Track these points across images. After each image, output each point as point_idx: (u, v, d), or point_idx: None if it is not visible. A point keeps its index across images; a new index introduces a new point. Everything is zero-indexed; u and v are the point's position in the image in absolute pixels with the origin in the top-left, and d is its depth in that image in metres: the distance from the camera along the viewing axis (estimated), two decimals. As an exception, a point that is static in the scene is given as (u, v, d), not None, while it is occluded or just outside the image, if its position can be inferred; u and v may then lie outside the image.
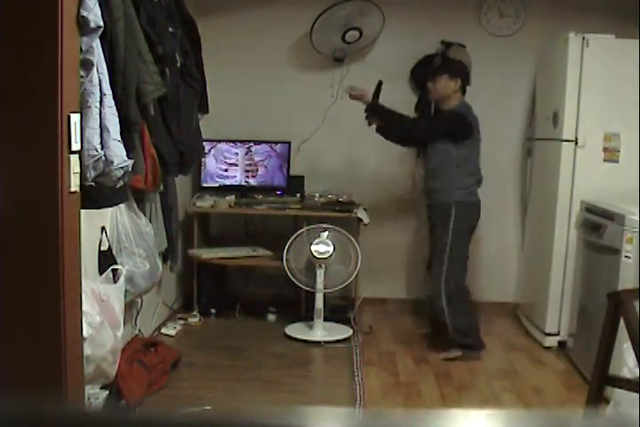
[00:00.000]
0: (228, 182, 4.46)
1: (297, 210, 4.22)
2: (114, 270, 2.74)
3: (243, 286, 4.61)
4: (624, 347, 2.35)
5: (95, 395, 2.54)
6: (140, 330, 3.46)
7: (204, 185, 4.45)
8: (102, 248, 2.76)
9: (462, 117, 3.59)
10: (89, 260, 2.53)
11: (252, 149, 4.45)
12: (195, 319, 4.15)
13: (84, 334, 2.19)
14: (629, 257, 3.01)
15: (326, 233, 3.93)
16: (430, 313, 3.90)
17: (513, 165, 4.50)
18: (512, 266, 4.53)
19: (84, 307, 2.17)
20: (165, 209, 3.43)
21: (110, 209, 2.78)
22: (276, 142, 4.44)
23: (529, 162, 4.38)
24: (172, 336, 3.86)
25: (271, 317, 4.25)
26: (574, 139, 3.66)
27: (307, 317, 4.11)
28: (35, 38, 1.85)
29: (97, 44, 2.14)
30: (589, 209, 3.50)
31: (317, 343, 3.82)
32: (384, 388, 3.24)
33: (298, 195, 4.37)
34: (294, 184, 4.45)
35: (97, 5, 2.04)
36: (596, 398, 2.28)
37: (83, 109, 2.11)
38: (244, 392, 3.13)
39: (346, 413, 0.56)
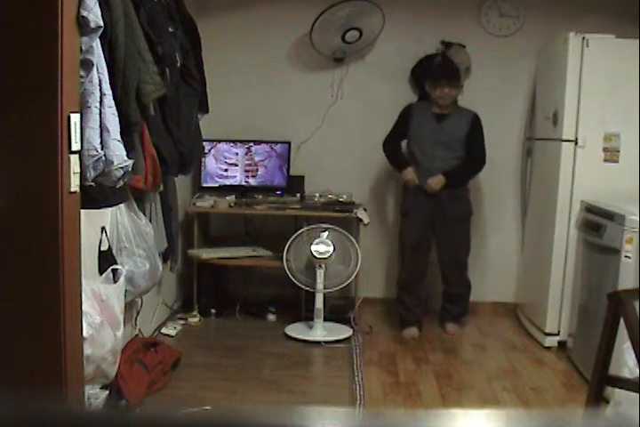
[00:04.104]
0: (228, 182, 4.46)
1: (297, 210, 4.22)
2: (114, 270, 2.74)
3: (243, 286, 4.61)
4: (624, 347, 2.35)
5: (95, 395, 2.54)
6: (140, 330, 3.46)
7: (204, 185, 4.45)
8: (102, 248, 2.76)
9: None
10: (89, 260, 2.54)
11: (252, 149, 4.45)
12: (195, 319, 4.15)
13: (84, 334, 2.19)
14: (629, 257, 3.01)
15: (326, 233, 3.93)
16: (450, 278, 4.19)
17: (513, 165, 4.50)
18: (512, 266, 4.53)
19: (84, 307, 2.17)
20: (165, 209, 3.43)
21: (110, 209, 2.79)
22: (276, 142, 4.44)
23: (529, 162, 4.38)
24: (172, 336, 3.86)
25: (271, 317, 4.26)
26: (574, 139, 3.66)
27: (307, 317, 4.11)
28: (35, 38, 1.85)
29: (97, 44, 2.14)
30: (589, 209, 3.50)
31: (317, 343, 3.82)
32: (384, 388, 3.24)
33: (298, 195, 4.37)
34: (294, 184, 4.45)
35: (97, 5, 2.04)
36: (596, 398, 2.28)
37: (83, 109, 2.11)
38: (244, 392, 3.13)
39: (346, 413, 0.56)
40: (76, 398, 2.09)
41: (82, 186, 2.07)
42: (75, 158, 1.99)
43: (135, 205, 3.00)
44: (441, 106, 3.97)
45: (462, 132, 3.95)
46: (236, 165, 4.46)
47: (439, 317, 4.24)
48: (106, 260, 2.76)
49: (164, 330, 3.90)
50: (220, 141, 4.42)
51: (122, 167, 2.27)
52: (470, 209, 4.08)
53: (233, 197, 4.35)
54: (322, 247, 3.87)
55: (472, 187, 4.39)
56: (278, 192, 4.45)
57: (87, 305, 2.27)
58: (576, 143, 3.66)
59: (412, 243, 4.05)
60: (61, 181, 1.90)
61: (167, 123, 2.87)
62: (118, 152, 2.25)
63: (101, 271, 2.71)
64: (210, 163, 4.43)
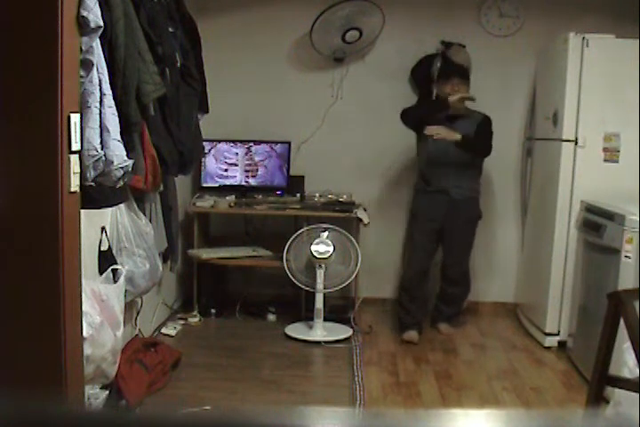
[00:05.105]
0: (228, 182, 4.46)
1: (297, 210, 4.22)
2: (114, 270, 2.74)
3: (243, 286, 4.61)
4: (624, 347, 2.35)
5: (95, 395, 2.54)
6: (140, 330, 3.46)
7: (204, 185, 4.45)
8: (102, 248, 2.76)
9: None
10: (89, 260, 2.54)
11: (252, 149, 4.45)
12: (195, 319, 4.15)
13: (84, 334, 2.19)
14: (629, 257, 3.01)
15: (326, 233, 3.93)
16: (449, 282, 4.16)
17: (513, 165, 4.50)
18: (512, 266, 4.53)
19: (84, 307, 2.17)
20: (165, 209, 3.43)
21: (110, 209, 2.79)
22: (276, 142, 4.44)
23: (529, 162, 4.38)
24: (172, 336, 3.86)
25: (271, 317, 4.26)
26: (574, 139, 3.66)
27: (307, 317, 4.11)
28: (35, 38, 1.85)
29: (97, 44, 2.14)
30: (589, 209, 3.50)
31: (317, 343, 3.82)
32: (384, 388, 3.24)
33: (298, 195, 4.37)
34: (294, 184, 4.45)
35: (97, 5, 2.04)
36: (596, 398, 2.28)
37: (83, 109, 2.11)
38: (244, 392, 3.13)
39: (346, 413, 0.56)
40: (76, 398, 2.09)
41: (82, 186, 2.07)
42: (75, 158, 1.99)
43: (135, 205, 3.00)
44: (454, 105, 3.88)
45: (472, 131, 3.88)
46: (236, 165, 4.46)
47: (432, 317, 4.22)
48: (106, 260, 2.76)
49: (164, 330, 3.90)
50: (220, 141, 4.42)
51: (122, 167, 2.27)
52: (480, 212, 4.04)
53: (233, 197, 4.35)
54: (322, 247, 3.87)
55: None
56: (278, 192, 4.45)
57: (87, 305, 2.27)
58: (576, 143, 3.66)
59: (421, 245, 4.02)
60: (61, 181, 1.90)
61: (167, 123, 2.87)
62: (118, 152, 2.25)
63: (101, 271, 2.71)
64: (210, 163, 4.43)
